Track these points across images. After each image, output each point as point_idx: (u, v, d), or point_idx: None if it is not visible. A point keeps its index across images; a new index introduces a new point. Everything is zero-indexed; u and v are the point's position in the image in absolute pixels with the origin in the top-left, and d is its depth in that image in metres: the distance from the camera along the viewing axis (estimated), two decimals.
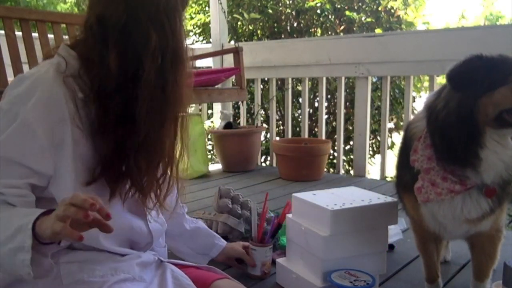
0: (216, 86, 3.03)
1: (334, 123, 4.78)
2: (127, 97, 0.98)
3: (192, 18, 5.87)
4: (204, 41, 5.57)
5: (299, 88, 4.69)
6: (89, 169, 0.99)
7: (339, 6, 5.32)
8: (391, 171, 3.79)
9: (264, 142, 4.75)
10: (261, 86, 4.41)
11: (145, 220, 1.15)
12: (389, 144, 5.07)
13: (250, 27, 5.50)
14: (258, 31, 5.59)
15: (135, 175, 1.03)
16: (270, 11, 5.30)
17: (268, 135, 4.41)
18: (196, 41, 5.84)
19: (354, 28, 5.24)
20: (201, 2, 5.85)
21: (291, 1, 5.47)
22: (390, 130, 5.29)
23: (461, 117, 1.18)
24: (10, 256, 0.83)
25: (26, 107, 0.94)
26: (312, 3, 5.19)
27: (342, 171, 3.75)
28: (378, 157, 4.60)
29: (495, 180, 1.20)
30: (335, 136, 3.73)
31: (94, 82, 0.99)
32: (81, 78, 0.99)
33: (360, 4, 5.35)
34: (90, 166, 1.00)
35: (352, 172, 3.90)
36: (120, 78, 0.97)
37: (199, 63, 4.12)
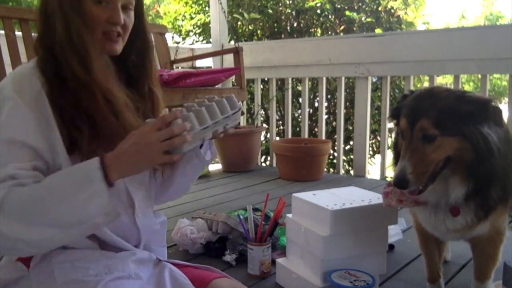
0: (216, 86, 3.03)
1: (334, 123, 4.78)
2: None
3: (192, 18, 5.87)
4: (204, 41, 5.57)
5: (299, 88, 4.69)
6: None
7: (339, 6, 5.32)
8: (391, 171, 3.78)
9: (264, 142, 4.75)
10: (261, 86, 4.41)
11: (132, 215, 1.13)
12: (389, 144, 5.06)
13: (250, 27, 5.50)
14: (258, 31, 5.58)
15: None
16: (270, 11, 5.30)
17: (268, 135, 4.41)
18: (196, 41, 5.84)
19: (354, 28, 5.23)
20: (201, 2, 5.85)
21: (291, 1, 5.46)
22: (390, 130, 5.27)
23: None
24: (83, 206, 0.90)
25: (8, 88, 0.99)
26: (312, 3, 5.19)
27: (342, 171, 3.75)
28: (378, 157, 4.60)
29: (443, 201, 1.22)
30: (335, 136, 3.73)
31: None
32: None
33: (360, 4, 5.35)
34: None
35: (352, 172, 3.90)
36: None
37: (199, 63, 4.12)
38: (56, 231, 0.91)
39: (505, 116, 2.60)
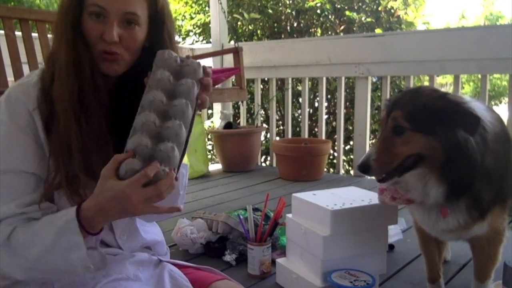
0: (216, 86, 3.03)
1: (334, 123, 4.78)
2: None
3: (192, 18, 5.87)
4: (204, 41, 5.57)
5: (299, 88, 4.69)
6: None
7: (339, 6, 5.32)
8: None
9: (264, 142, 4.75)
10: (261, 86, 4.41)
11: (113, 238, 1.10)
12: None
13: (250, 27, 5.50)
14: (258, 31, 5.59)
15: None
16: (270, 11, 5.30)
17: (268, 135, 4.41)
18: (196, 41, 5.84)
19: (354, 28, 5.24)
20: (201, 2, 5.85)
21: (291, 1, 5.46)
22: None
23: None
24: (63, 260, 0.88)
25: (3, 115, 0.94)
26: (312, 3, 5.19)
27: (342, 171, 3.75)
28: None
29: (426, 200, 1.22)
30: (335, 136, 3.73)
31: None
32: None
33: (360, 4, 5.36)
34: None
35: (352, 172, 3.91)
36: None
37: None
38: (43, 275, 0.93)
39: (505, 116, 2.61)
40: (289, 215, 1.57)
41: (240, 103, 4.16)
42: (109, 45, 0.94)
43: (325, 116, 4.12)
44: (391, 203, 1.31)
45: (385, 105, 1.25)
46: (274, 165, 3.90)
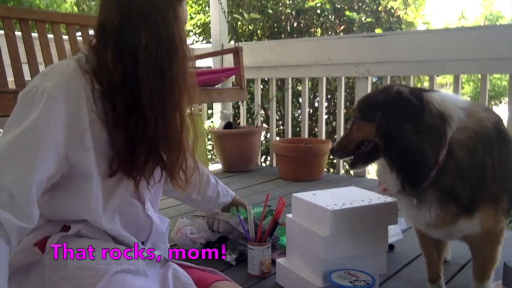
0: (216, 86, 3.03)
1: (334, 123, 4.78)
2: (132, 92, 1.05)
3: (192, 18, 5.87)
4: (204, 41, 5.58)
5: (299, 88, 4.70)
6: (107, 161, 1.07)
7: (339, 6, 5.32)
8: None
9: (264, 142, 4.75)
10: (261, 86, 4.41)
11: (143, 210, 1.21)
12: None
13: (250, 27, 5.51)
14: (258, 31, 5.59)
15: (160, 162, 1.13)
16: (270, 11, 5.31)
17: (268, 135, 4.41)
18: (196, 41, 5.84)
19: (354, 28, 5.24)
20: (201, 2, 5.85)
21: (291, 1, 5.47)
22: None
23: None
24: None
25: (51, 84, 1.00)
26: (312, 3, 5.20)
27: (342, 171, 3.76)
28: None
29: (390, 187, 1.30)
30: (335, 136, 3.73)
31: (105, 78, 1.07)
32: (99, 73, 1.07)
33: (360, 4, 5.36)
34: (108, 157, 1.07)
35: (352, 172, 3.90)
36: (121, 75, 1.05)
37: (199, 63, 4.12)
38: None
39: (504, 116, 2.61)
40: (289, 215, 1.57)
41: (240, 103, 4.16)
42: None
43: (325, 116, 4.12)
44: (383, 193, 1.46)
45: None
46: (274, 165, 3.90)
